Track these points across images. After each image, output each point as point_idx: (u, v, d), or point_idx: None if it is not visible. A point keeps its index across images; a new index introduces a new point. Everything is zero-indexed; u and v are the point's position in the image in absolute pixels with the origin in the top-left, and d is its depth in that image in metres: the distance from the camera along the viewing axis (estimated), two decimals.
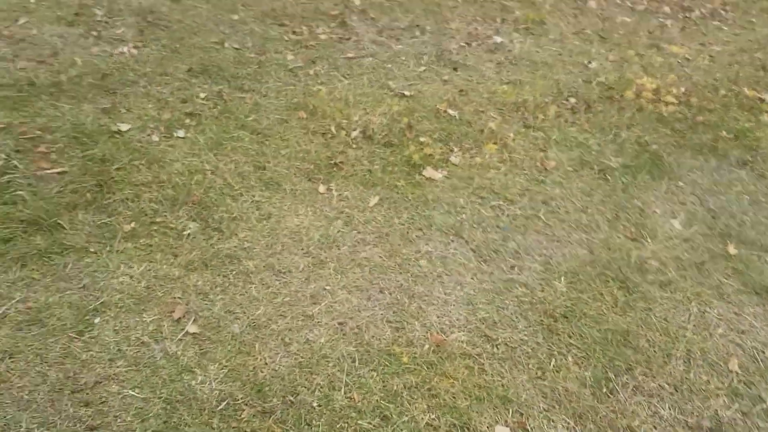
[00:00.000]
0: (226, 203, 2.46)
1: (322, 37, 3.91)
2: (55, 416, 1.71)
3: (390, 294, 2.20)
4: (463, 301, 2.21)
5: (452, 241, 2.45)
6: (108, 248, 2.21)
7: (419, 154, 2.87)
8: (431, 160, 2.85)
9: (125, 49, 3.51)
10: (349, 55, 3.72)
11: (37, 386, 1.77)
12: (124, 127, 2.83)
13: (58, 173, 2.49)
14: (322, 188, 2.61)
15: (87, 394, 1.78)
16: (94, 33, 3.61)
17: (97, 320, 1.98)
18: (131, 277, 2.13)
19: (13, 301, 1.98)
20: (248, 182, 2.59)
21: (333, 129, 2.98)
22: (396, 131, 3.01)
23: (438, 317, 2.14)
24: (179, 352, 1.93)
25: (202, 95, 3.16)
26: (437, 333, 2.09)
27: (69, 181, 2.45)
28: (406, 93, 3.36)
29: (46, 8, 3.77)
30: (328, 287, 2.19)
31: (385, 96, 3.32)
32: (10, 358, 1.82)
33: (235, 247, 2.29)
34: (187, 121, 2.94)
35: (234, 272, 2.20)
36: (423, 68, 3.65)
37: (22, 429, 1.67)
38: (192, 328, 2.01)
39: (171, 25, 3.82)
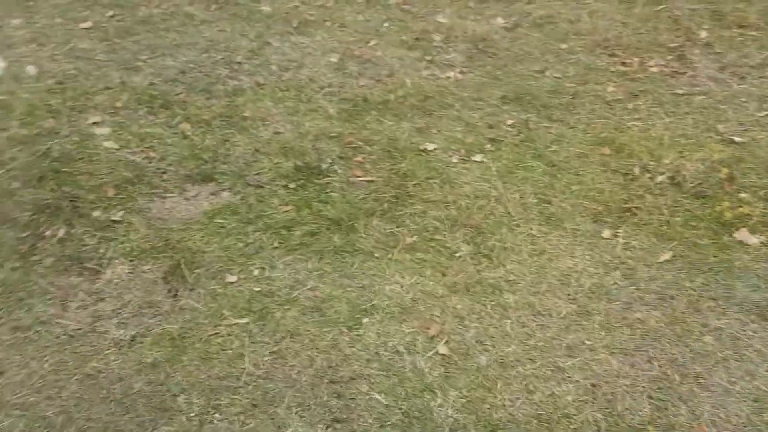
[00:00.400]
0: (501, 232, 2.48)
1: (653, 69, 3.64)
2: (311, 400, 1.94)
3: (659, 366, 1.96)
4: (749, 396, 1.86)
5: (753, 321, 2.07)
6: (389, 256, 2.41)
7: (733, 212, 2.48)
8: (748, 221, 2.44)
9: (451, 74, 3.76)
10: (679, 91, 3.39)
11: (304, 368, 2.03)
12: (430, 146, 3.04)
13: (367, 181, 2.80)
14: (607, 233, 2.45)
15: (341, 387, 1.98)
16: (428, 57, 3.94)
17: (365, 320, 2.18)
18: (401, 286, 2.29)
19: (305, 288, 2.30)
20: (529, 214, 2.56)
21: (636, 170, 2.76)
22: (712, 182, 2.66)
23: (712, 407, 1.84)
24: (426, 370, 2.02)
25: (509, 122, 3.22)
26: (706, 425, 1.79)
27: (373, 190, 2.74)
28: (737, 139, 2.93)
29: (394, 32, 4.24)
30: (588, 342, 2.05)
31: (708, 140, 2.95)
32: (290, 337, 2.13)
33: (500, 277, 2.29)
34: (488, 146, 3.03)
35: (493, 303, 2.21)
36: (766, 113, 3.13)
37: (283, 403, 1.94)
38: (442, 349, 2.08)
39: (498, 53, 3.96)
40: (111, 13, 4.21)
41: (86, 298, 2.30)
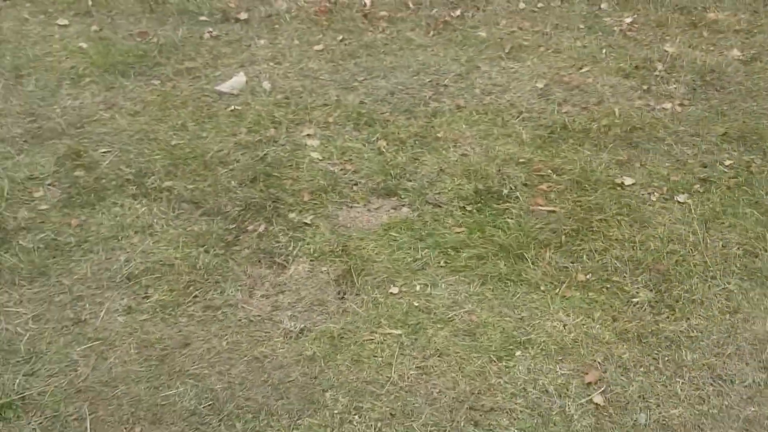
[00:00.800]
0: (691, 282, 2.21)
1: None
2: (448, 423, 1.91)
3: None
4: None
5: None
6: (556, 291, 2.29)
7: None
8: None
9: (668, 106, 3.46)
10: None
11: (446, 389, 2.01)
12: (628, 180, 2.83)
13: (548, 211, 2.69)
14: None
15: (480, 415, 1.92)
16: (645, 87, 3.67)
17: (518, 353, 2.09)
18: (564, 325, 2.16)
19: (462, 310, 2.27)
20: (729, 267, 2.24)
21: None
22: None
23: None
24: (575, 417, 1.87)
25: (727, 162, 2.87)
26: None
27: (552, 221, 2.62)
28: None
29: (612, 59, 4.02)
30: None
31: None
32: (439, 356, 2.12)
33: (680, 331, 2.04)
34: (696, 186, 2.73)
35: (666, 358, 1.97)
36: None
37: (420, 420, 1.93)
38: (598, 399, 1.91)
39: (728, 87, 3.56)
40: (341, 37, 4.60)
41: (270, 289, 2.52)
